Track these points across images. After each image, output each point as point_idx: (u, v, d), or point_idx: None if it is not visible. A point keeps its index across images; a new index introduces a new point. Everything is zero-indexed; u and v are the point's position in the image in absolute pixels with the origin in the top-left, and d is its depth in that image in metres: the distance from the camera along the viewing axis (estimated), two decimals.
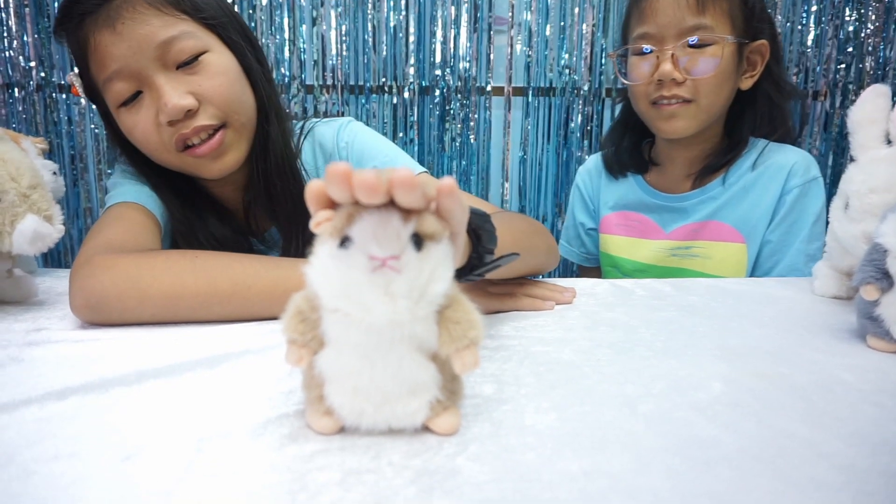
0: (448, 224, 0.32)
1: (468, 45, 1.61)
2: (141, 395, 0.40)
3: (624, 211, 1.08)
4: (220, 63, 0.71)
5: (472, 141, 1.64)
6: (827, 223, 0.65)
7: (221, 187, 0.81)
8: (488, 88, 1.64)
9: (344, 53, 1.61)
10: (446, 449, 0.32)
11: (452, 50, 1.61)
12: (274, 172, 0.79)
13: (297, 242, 0.82)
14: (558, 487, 0.29)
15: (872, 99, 0.60)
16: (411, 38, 1.61)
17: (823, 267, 0.68)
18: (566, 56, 1.62)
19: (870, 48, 1.57)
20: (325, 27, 1.60)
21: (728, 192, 0.96)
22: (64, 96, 1.60)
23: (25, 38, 1.59)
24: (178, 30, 0.68)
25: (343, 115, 1.59)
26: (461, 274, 0.48)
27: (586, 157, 1.64)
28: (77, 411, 0.38)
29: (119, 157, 0.80)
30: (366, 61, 1.62)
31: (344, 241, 0.29)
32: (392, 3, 1.59)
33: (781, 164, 0.93)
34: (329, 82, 1.62)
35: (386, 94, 1.63)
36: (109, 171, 1.60)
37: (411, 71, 1.62)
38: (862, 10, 1.56)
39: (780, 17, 1.56)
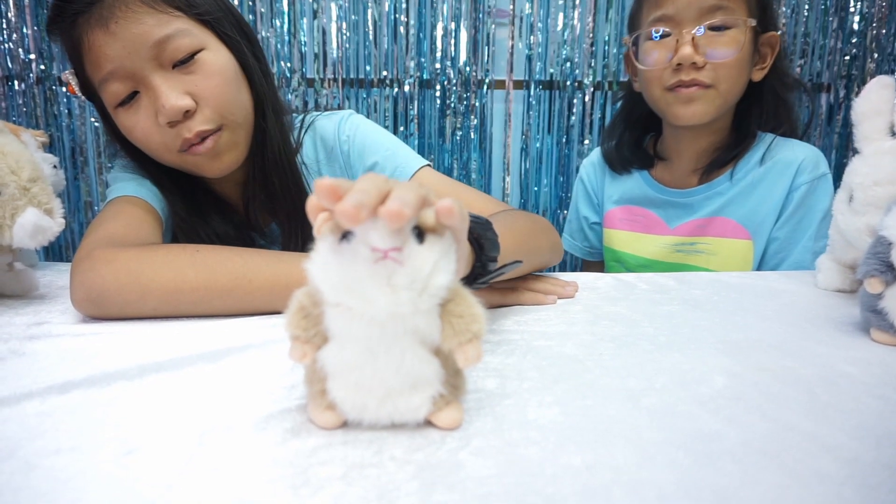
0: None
1: (468, 38, 1.60)
2: (142, 389, 0.40)
3: (628, 205, 1.07)
4: (217, 61, 0.71)
5: (471, 136, 1.63)
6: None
7: (221, 183, 0.81)
8: (488, 81, 1.63)
9: (346, 46, 1.61)
10: (449, 443, 0.32)
11: (453, 43, 1.60)
12: (272, 168, 0.78)
13: (296, 238, 0.81)
14: (561, 481, 0.29)
15: (877, 90, 0.59)
16: (412, 32, 1.60)
17: (826, 260, 0.68)
18: (567, 49, 1.61)
19: (874, 43, 1.56)
20: (325, 20, 1.59)
21: (735, 188, 0.95)
22: (64, 89, 1.60)
23: (25, 31, 1.58)
24: (172, 28, 0.67)
25: (343, 108, 1.58)
26: (466, 283, 0.47)
27: (587, 150, 1.64)
28: (79, 405, 0.37)
29: (119, 152, 0.80)
30: (367, 54, 1.61)
31: (345, 236, 0.29)
32: None
33: (790, 160, 0.92)
34: (330, 76, 1.62)
35: (387, 88, 1.63)
36: (110, 164, 1.59)
37: (412, 64, 1.61)
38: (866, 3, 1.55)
39: (784, 9, 1.55)
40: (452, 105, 1.62)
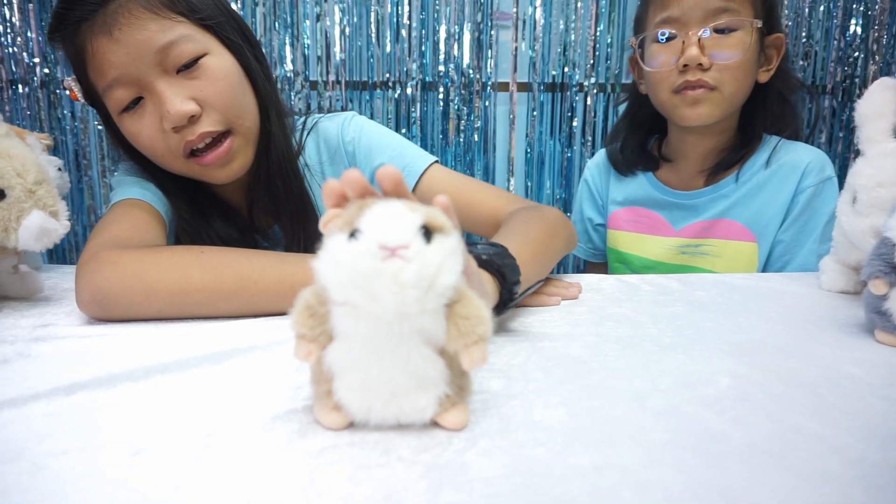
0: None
1: (471, 40, 1.60)
2: (148, 390, 0.40)
3: (633, 207, 1.07)
4: (221, 66, 0.71)
5: (475, 139, 1.63)
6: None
7: (225, 187, 0.81)
8: (491, 84, 1.63)
9: (347, 49, 1.61)
10: (455, 444, 0.32)
11: (456, 45, 1.61)
12: (276, 171, 0.78)
13: (299, 240, 0.81)
14: (569, 482, 0.29)
15: (880, 92, 0.59)
16: (414, 34, 1.60)
17: (830, 262, 0.68)
18: (571, 52, 1.61)
19: (875, 46, 1.56)
20: (328, 23, 1.59)
21: (741, 190, 0.95)
22: (68, 92, 1.60)
23: (29, 34, 1.58)
24: (176, 33, 0.67)
25: (346, 109, 1.59)
26: (496, 311, 0.51)
27: (588, 153, 1.64)
28: (85, 407, 0.37)
29: (123, 157, 0.80)
30: (369, 57, 1.61)
31: (353, 234, 0.29)
32: None
33: (796, 163, 0.92)
34: (333, 78, 1.62)
35: (389, 90, 1.63)
36: (113, 168, 1.59)
37: (414, 66, 1.61)
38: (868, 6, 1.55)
39: (786, 11, 1.55)
40: (456, 108, 1.62)
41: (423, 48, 1.61)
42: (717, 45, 0.88)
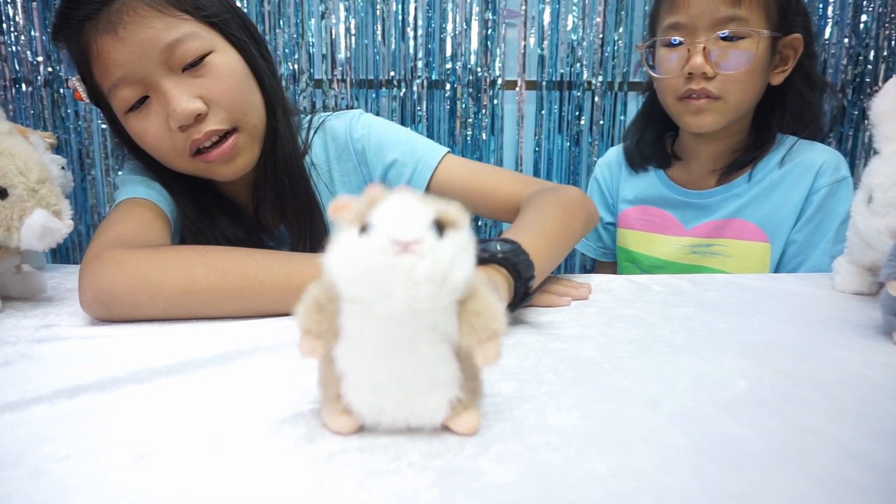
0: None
1: (479, 38, 1.59)
2: (153, 392, 0.40)
3: (644, 205, 1.06)
4: (227, 63, 0.70)
5: (482, 137, 1.62)
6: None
7: (231, 185, 0.80)
8: (499, 83, 1.62)
9: (353, 47, 1.60)
10: (468, 449, 0.31)
11: (463, 43, 1.60)
12: (282, 170, 0.78)
13: (305, 239, 0.81)
14: (584, 488, 0.28)
15: (895, 90, 0.58)
16: (420, 31, 1.59)
17: (844, 262, 0.67)
18: (579, 50, 1.60)
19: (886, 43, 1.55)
20: (333, 20, 1.59)
21: (753, 190, 0.94)
22: (73, 92, 1.60)
23: (33, 33, 1.58)
24: (181, 31, 0.66)
25: (353, 107, 1.58)
26: (512, 308, 0.53)
27: (596, 152, 1.63)
28: (88, 409, 0.37)
29: (128, 156, 0.79)
30: (375, 55, 1.60)
31: (364, 228, 0.28)
32: None
33: (810, 163, 0.91)
34: (338, 76, 1.61)
35: (395, 89, 1.62)
36: (117, 167, 1.60)
37: (420, 64, 1.61)
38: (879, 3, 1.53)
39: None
40: (463, 106, 1.61)
41: (430, 46, 1.60)
42: (724, 54, 0.87)
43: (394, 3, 1.58)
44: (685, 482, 0.28)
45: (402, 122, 1.62)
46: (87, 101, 0.72)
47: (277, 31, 1.59)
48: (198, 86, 0.68)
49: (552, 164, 1.66)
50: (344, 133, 0.85)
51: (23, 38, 1.58)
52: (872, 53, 1.56)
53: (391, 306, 0.28)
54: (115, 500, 0.27)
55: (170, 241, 0.71)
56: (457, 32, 1.59)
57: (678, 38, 0.89)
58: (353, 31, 1.60)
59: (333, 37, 1.60)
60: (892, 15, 1.53)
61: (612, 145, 1.46)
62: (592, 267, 1.27)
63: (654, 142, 1.05)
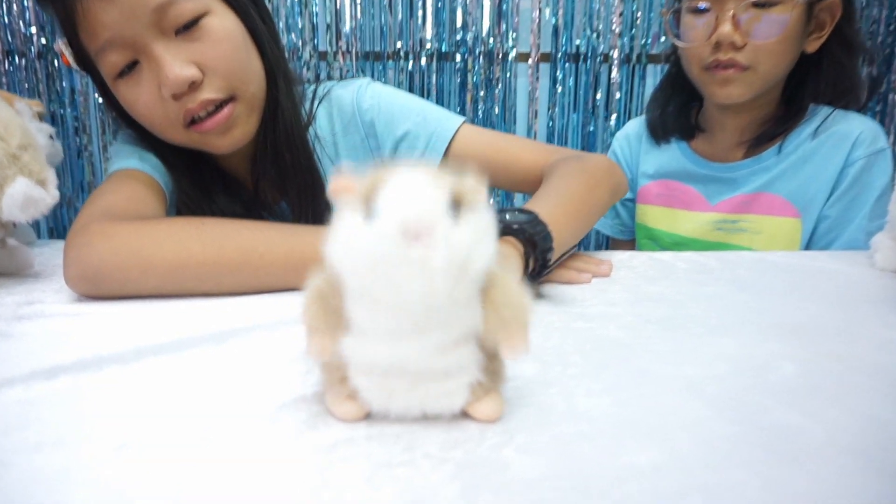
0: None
1: (491, 6, 1.54)
2: (139, 374, 0.37)
3: (665, 180, 1.01)
4: (223, 26, 0.66)
5: (495, 111, 1.58)
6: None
7: (229, 159, 0.77)
8: (512, 55, 1.57)
9: (358, 17, 1.55)
10: (490, 438, 0.28)
11: (474, 13, 1.54)
12: (283, 143, 0.74)
13: (307, 217, 0.77)
14: (626, 485, 0.25)
15: None
16: (429, 1, 1.54)
17: (886, 239, 0.63)
18: (596, 20, 1.55)
19: None
20: None
21: (784, 162, 0.89)
22: (58, 55, 1.56)
23: (25, 3, 1.54)
24: None
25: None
26: (530, 280, 0.51)
27: (613, 127, 1.58)
28: (66, 393, 0.34)
29: (121, 125, 0.75)
30: (381, 25, 1.55)
31: (369, 212, 0.25)
32: None
33: (845, 133, 0.86)
34: (343, 48, 1.56)
35: (402, 61, 1.57)
36: (114, 141, 1.56)
37: (429, 35, 1.55)
38: None
39: None
40: (474, 79, 1.56)
41: (440, 16, 1.54)
42: (755, 21, 0.82)
43: None
44: (741, 479, 0.25)
45: None
46: (75, 66, 0.68)
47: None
48: (192, 51, 0.63)
49: (566, 139, 1.62)
50: (351, 103, 0.81)
51: (15, 7, 1.54)
52: None
53: (403, 301, 0.25)
54: (88, 496, 0.24)
55: (164, 216, 0.67)
56: (467, 2, 1.54)
57: (705, 4, 0.84)
58: (358, 1, 1.55)
59: (338, 6, 1.54)
60: None
61: (628, 120, 1.41)
62: (608, 245, 1.23)
63: (678, 112, 1.00)
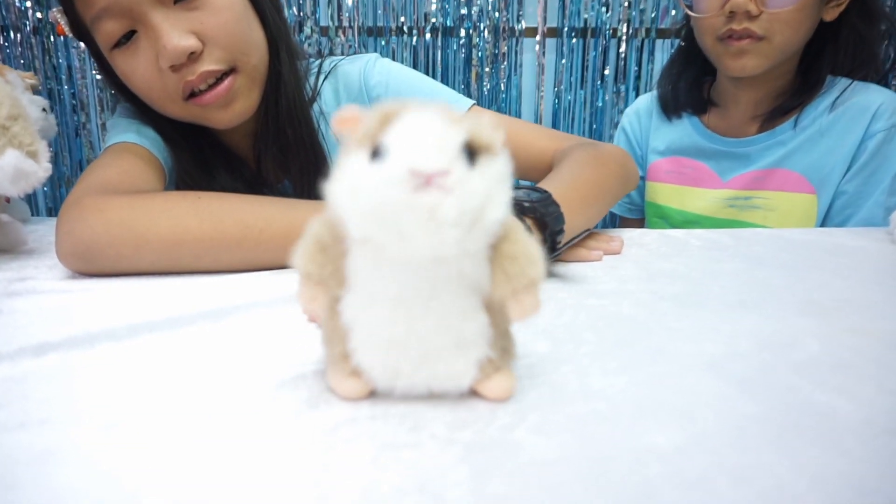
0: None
1: None
2: (132, 351, 0.35)
3: (676, 156, 0.99)
4: None
5: (501, 88, 1.55)
6: None
7: (230, 135, 0.74)
8: (518, 29, 1.53)
9: None
10: (501, 418, 0.27)
11: None
12: (285, 119, 0.72)
13: (309, 196, 0.75)
14: (647, 468, 0.23)
15: None
16: None
17: None
18: None
19: None
20: None
21: (800, 137, 0.87)
22: (63, 39, 1.53)
23: None
24: None
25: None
26: None
27: (621, 103, 1.55)
28: (55, 370, 0.32)
29: (119, 98, 0.73)
30: None
31: (377, 152, 0.23)
32: None
33: (864, 106, 0.83)
34: (345, 23, 1.53)
35: (405, 36, 1.54)
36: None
37: (433, 9, 1.52)
38: None
39: None
40: (479, 55, 1.53)
41: None
42: None
43: None
44: (771, 461, 0.24)
45: None
46: (71, 35, 0.66)
47: None
48: (191, 20, 0.61)
49: (573, 116, 1.59)
50: (358, 79, 0.79)
51: None
52: None
53: (410, 251, 0.23)
54: (75, 477, 0.23)
55: (161, 191, 0.65)
56: None
57: None
58: None
59: None
60: None
61: (636, 97, 1.38)
62: (617, 224, 1.21)
63: (690, 86, 0.97)
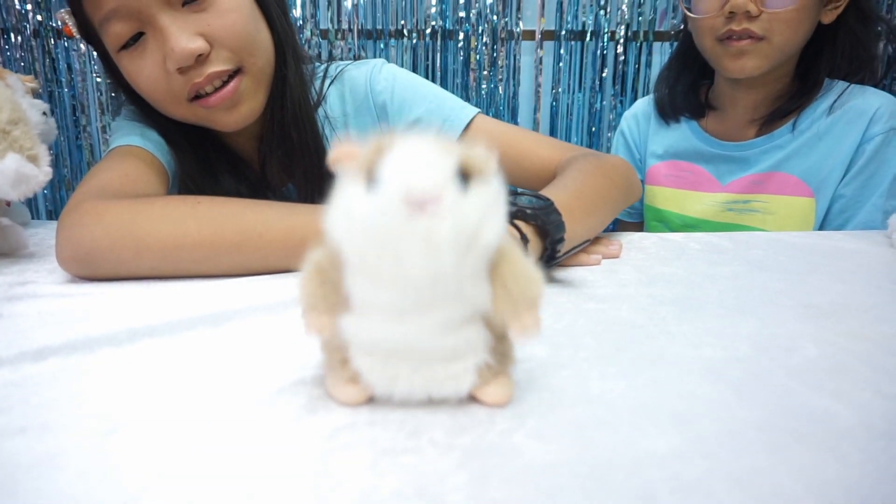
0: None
1: None
2: (132, 356, 0.35)
3: (674, 160, 0.99)
4: None
5: (499, 91, 1.55)
6: None
7: (235, 138, 0.74)
8: (517, 32, 1.54)
9: None
10: (500, 424, 0.27)
11: None
12: (290, 122, 0.72)
13: (313, 200, 0.75)
14: (645, 473, 0.23)
15: None
16: None
17: None
18: None
19: None
20: None
21: (798, 140, 0.87)
22: (64, 42, 1.53)
23: None
24: None
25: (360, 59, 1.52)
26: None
27: (619, 104, 1.55)
28: (54, 375, 0.32)
29: (125, 100, 0.73)
30: (383, 3, 1.53)
31: (372, 181, 0.23)
32: None
33: (862, 109, 0.84)
34: (344, 26, 1.54)
35: (404, 39, 1.54)
36: (114, 121, 1.54)
37: (432, 12, 1.53)
38: None
39: None
40: (478, 57, 1.53)
41: None
42: None
43: None
44: (768, 466, 0.24)
45: None
46: (78, 36, 0.66)
47: None
48: (199, 22, 0.61)
49: (571, 119, 1.59)
50: (364, 84, 0.79)
51: None
52: None
53: (406, 276, 0.24)
54: (76, 482, 0.23)
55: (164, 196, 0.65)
56: None
57: None
58: None
59: None
60: None
61: (635, 100, 1.38)
62: (615, 228, 1.21)
63: (688, 90, 0.97)
